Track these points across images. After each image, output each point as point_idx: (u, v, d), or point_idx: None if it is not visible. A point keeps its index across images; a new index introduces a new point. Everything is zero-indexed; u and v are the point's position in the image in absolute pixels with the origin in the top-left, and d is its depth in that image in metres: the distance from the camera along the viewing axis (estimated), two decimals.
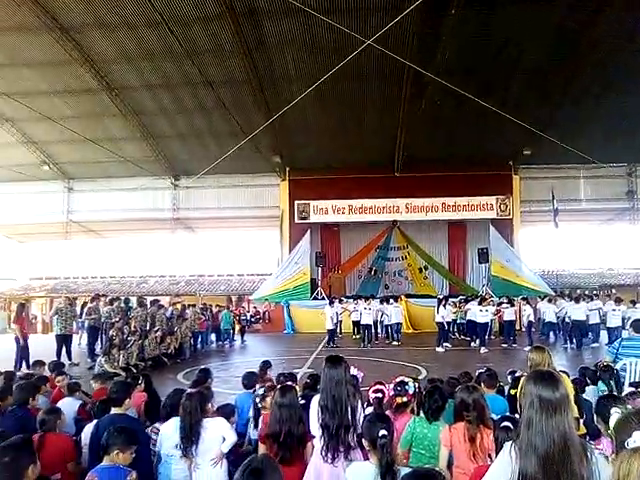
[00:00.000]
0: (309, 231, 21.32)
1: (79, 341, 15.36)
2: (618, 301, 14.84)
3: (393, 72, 15.56)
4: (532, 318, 15.04)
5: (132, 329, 12.35)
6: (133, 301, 15.84)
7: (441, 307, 14.72)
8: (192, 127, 19.71)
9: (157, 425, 4.24)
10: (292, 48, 15.16)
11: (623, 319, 14.04)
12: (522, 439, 2.10)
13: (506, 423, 3.03)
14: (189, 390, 4.17)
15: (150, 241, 26.91)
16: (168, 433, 3.88)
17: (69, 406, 5.11)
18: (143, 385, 5.50)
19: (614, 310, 14.23)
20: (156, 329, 12.59)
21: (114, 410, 4.11)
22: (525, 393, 2.14)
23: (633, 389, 4.39)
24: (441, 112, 17.52)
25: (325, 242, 23.14)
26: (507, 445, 2.21)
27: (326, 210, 21.53)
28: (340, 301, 17.19)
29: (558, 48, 14.66)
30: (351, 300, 17.72)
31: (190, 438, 3.67)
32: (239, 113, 17.86)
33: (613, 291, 20.79)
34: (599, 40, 14.04)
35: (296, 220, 21.62)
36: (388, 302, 16.26)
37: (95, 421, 4.25)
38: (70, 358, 11.79)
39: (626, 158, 21.50)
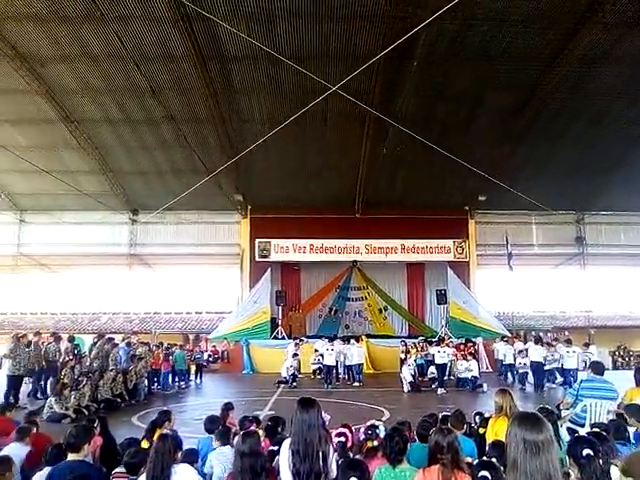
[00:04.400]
0: (269, 269, 21.18)
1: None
2: (569, 342, 15.25)
3: (355, 117, 15.98)
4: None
5: (84, 369, 11.82)
6: (84, 339, 15.23)
7: (404, 367, 14.72)
8: (152, 162, 19.48)
9: (119, 470, 3.99)
10: (257, 90, 15.41)
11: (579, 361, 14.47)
12: None
13: (484, 473, 3.02)
14: (164, 431, 3.94)
15: (105, 277, 26.04)
16: None
17: (16, 453, 4.76)
18: (99, 428, 5.22)
19: (568, 352, 14.59)
20: (110, 369, 12.08)
21: (71, 456, 3.84)
22: (510, 435, 2.16)
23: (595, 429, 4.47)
24: (401, 157, 18.05)
25: (285, 281, 23.02)
26: None
27: (287, 249, 21.47)
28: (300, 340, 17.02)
29: (513, 100, 15.50)
30: (322, 340, 17.26)
31: None
32: (201, 150, 17.85)
33: (566, 333, 21.38)
34: (552, 93, 14.94)
35: (256, 258, 21.44)
36: (349, 342, 16.20)
37: (47, 469, 3.96)
38: (17, 401, 11.05)
39: (575, 206, 22.54)
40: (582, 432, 5.05)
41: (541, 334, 18.67)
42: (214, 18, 11.04)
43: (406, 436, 3.86)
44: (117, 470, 4.04)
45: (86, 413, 9.41)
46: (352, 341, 16.29)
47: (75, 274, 26.04)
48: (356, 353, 15.75)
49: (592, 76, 14.36)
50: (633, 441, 4.66)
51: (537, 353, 14.36)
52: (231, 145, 17.17)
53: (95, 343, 13.85)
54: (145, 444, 4.83)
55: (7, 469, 3.81)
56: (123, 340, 15.42)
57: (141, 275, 24.33)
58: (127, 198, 21.76)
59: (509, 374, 16.18)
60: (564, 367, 14.60)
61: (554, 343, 15.67)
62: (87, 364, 12.45)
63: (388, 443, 3.68)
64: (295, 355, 15.60)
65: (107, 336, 14.78)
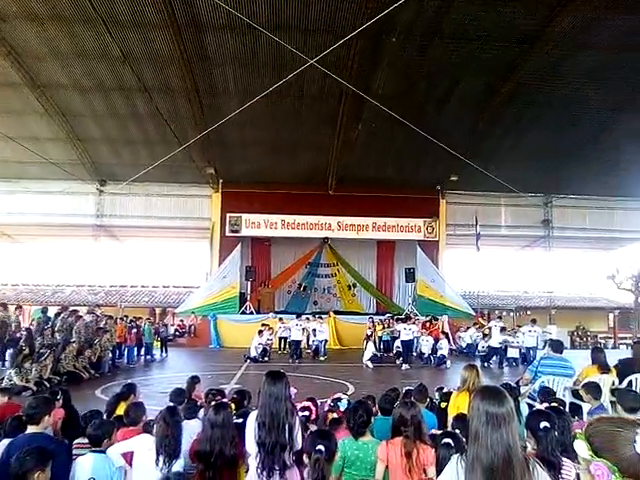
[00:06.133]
0: (240, 244, 21.06)
1: None
2: (533, 322, 15.73)
3: (332, 92, 15.84)
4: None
5: (46, 341, 11.61)
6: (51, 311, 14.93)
7: (369, 343, 15.05)
8: (122, 132, 18.95)
9: (80, 440, 3.94)
10: (233, 62, 15.06)
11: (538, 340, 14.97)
12: (469, 452, 2.15)
13: (447, 440, 3.09)
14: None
15: (69, 248, 25.47)
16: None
17: None
18: (61, 401, 5.13)
19: (530, 331, 15.08)
20: (73, 340, 11.89)
21: (30, 429, 3.76)
22: (473, 407, 2.19)
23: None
24: (375, 135, 18.03)
25: (256, 256, 22.96)
26: (454, 458, 2.26)
27: (258, 224, 21.33)
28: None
29: (489, 82, 15.58)
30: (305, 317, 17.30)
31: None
32: (174, 122, 17.45)
33: (528, 312, 22.00)
34: (526, 77, 15.08)
35: (227, 233, 21.24)
36: (315, 318, 16.55)
37: (6, 441, 3.88)
38: None
39: (543, 189, 22.99)
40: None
41: (504, 313, 19.11)
42: None
43: (370, 410, 3.92)
44: (79, 441, 3.99)
45: (48, 386, 9.27)
46: (317, 317, 16.56)
47: (39, 245, 25.41)
48: (321, 329, 16.09)
49: (566, 61, 14.50)
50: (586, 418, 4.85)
51: (496, 339, 14.77)
52: (204, 117, 16.81)
53: (58, 315, 13.57)
54: (120, 410, 4.82)
55: None
56: (87, 313, 15.16)
57: (107, 247, 23.86)
58: (95, 168, 21.18)
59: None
60: (524, 345, 15.09)
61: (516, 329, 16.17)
62: (50, 336, 12.19)
63: (352, 416, 3.74)
64: (260, 332, 15.64)
65: (71, 308, 14.50)
